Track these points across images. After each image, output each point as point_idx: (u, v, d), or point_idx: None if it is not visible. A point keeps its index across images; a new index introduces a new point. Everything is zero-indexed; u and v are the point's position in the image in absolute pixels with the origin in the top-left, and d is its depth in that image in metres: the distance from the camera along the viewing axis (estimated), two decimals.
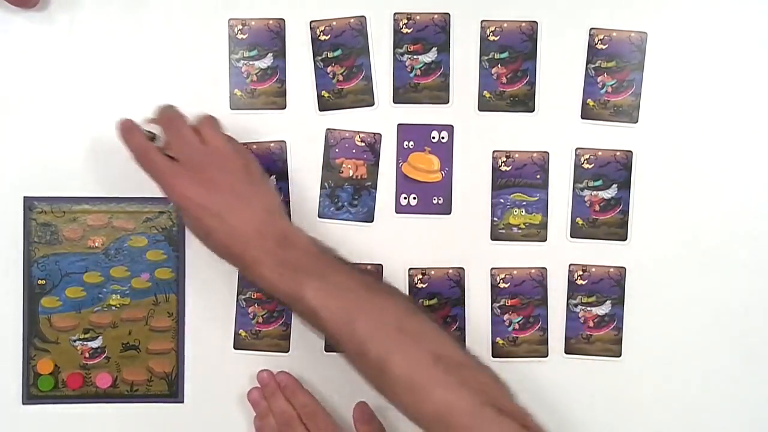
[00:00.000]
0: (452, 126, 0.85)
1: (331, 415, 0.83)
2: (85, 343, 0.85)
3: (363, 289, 0.73)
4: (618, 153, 0.85)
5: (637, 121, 0.84)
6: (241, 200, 0.74)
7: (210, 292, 0.85)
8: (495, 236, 0.85)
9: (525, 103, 0.85)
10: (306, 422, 0.82)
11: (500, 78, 0.84)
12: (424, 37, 0.84)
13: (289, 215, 0.84)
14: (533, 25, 0.84)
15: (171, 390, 0.85)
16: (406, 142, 0.85)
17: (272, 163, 0.84)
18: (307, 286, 0.71)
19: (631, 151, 0.85)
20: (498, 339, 0.85)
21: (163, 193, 0.76)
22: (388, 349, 0.70)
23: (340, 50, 0.84)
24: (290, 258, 0.73)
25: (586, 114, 0.85)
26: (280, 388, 0.83)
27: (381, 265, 0.84)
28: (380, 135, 0.85)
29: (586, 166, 0.85)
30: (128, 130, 0.77)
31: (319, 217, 0.85)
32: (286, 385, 0.83)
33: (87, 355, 0.85)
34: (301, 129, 0.85)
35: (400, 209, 0.85)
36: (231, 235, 0.73)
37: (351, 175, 0.85)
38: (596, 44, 0.84)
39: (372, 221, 0.85)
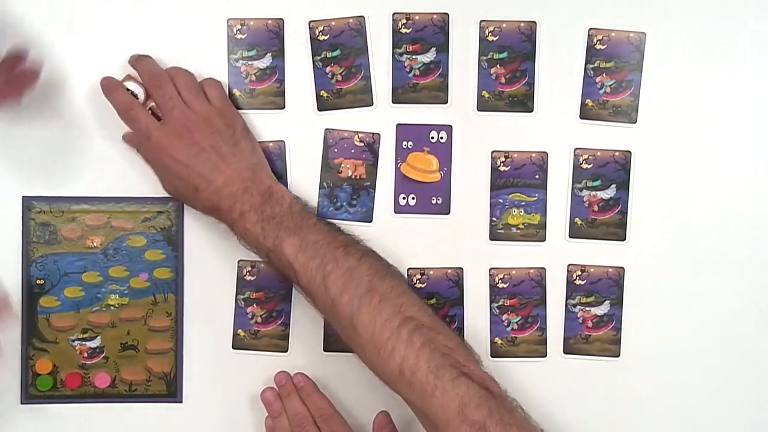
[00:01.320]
0: (451, 126, 0.85)
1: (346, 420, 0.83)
2: (83, 342, 0.85)
3: (340, 248, 0.76)
4: (617, 153, 0.85)
5: (635, 122, 0.84)
6: (225, 159, 0.78)
7: (209, 292, 0.85)
8: (494, 236, 0.85)
9: (524, 103, 0.85)
10: (320, 425, 0.81)
11: (499, 78, 0.84)
12: (422, 37, 0.84)
13: None
14: (532, 25, 0.84)
15: (169, 390, 0.85)
16: (404, 142, 0.85)
17: (271, 162, 0.84)
18: (287, 241, 0.75)
19: (629, 152, 0.85)
20: (497, 339, 0.85)
21: (147, 152, 0.79)
22: (358, 307, 0.73)
23: (339, 50, 0.84)
24: (273, 214, 0.77)
25: (585, 114, 0.85)
26: (296, 389, 0.83)
27: None
28: (379, 135, 0.85)
29: (584, 166, 0.85)
30: (111, 86, 0.81)
31: (318, 216, 0.85)
32: (302, 387, 0.83)
33: (85, 354, 0.85)
34: (299, 129, 0.85)
35: (398, 209, 0.85)
36: (218, 193, 0.77)
37: (350, 175, 0.85)
38: (595, 44, 0.84)
39: (371, 221, 0.85)
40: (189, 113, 0.78)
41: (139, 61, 0.81)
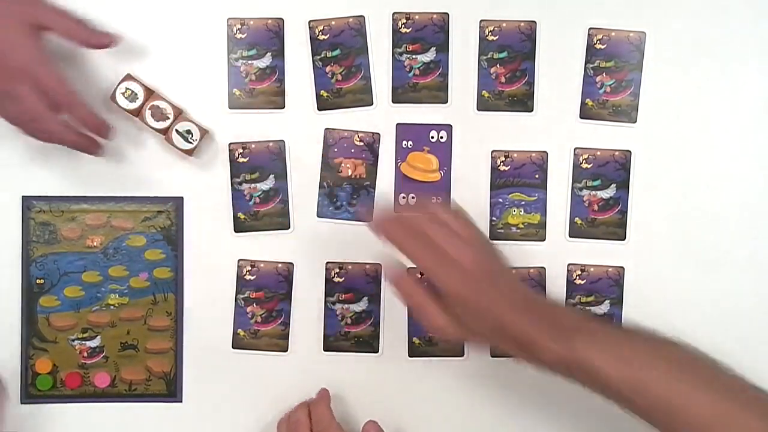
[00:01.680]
0: (451, 126, 0.85)
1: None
2: (83, 342, 0.85)
3: (632, 339, 0.72)
4: (617, 153, 0.85)
5: (635, 121, 0.84)
6: (507, 273, 0.75)
7: (208, 292, 0.85)
8: (494, 236, 0.85)
9: (524, 102, 0.85)
10: None
11: (499, 78, 0.84)
12: (422, 36, 0.84)
13: (288, 215, 0.84)
14: (532, 24, 0.84)
15: (169, 389, 0.85)
16: (404, 142, 0.85)
17: (271, 162, 0.84)
18: (589, 347, 0.69)
19: (629, 151, 0.85)
20: None
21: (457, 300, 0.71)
22: (675, 393, 0.68)
23: (339, 50, 0.84)
24: (559, 321, 0.71)
25: (585, 114, 0.85)
26: (308, 400, 0.84)
27: (380, 264, 0.84)
28: (379, 135, 0.85)
29: (584, 165, 0.85)
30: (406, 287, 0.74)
31: (318, 216, 0.85)
32: (316, 395, 0.84)
33: (85, 354, 0.85)
34: (299, 129, 0.85)
35: (399, 209, 0.85)
36: (524, 318, 0.70)
37: (350, 174, 0.85)
38: (595, 44, 0.84)
39: (371, 221, 0.85)
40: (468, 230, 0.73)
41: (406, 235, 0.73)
